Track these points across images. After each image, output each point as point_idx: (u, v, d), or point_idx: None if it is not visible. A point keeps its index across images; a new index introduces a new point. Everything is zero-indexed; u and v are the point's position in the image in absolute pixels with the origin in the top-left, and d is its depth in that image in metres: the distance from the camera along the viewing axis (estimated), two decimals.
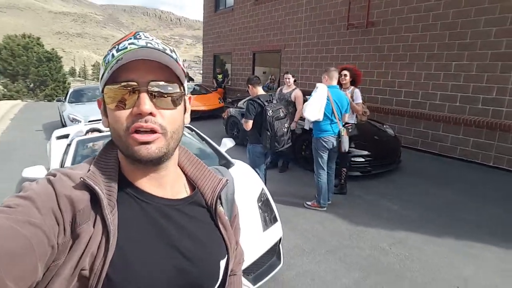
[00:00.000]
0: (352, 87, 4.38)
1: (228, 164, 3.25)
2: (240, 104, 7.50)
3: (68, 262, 0.53)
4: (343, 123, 4.07)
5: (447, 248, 3.28)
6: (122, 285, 0.56)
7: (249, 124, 3.77)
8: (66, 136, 4.47)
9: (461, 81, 6.11)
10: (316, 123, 3.97)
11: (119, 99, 0.60)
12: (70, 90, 10.46)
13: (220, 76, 13.44)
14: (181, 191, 0.73)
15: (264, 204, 2.92)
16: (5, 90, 25.77)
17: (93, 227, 0.57)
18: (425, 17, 6.59)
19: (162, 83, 0.62)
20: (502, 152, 5.63)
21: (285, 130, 3.77)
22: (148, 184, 0.67)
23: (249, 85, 3.99)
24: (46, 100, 23.97)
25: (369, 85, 7.83)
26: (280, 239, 2.80)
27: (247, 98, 4.73)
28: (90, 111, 8.13)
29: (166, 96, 0.62)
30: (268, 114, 3.64)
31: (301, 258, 3.14)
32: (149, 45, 0.60)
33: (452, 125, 6.26)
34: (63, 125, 8.21)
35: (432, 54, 6.52)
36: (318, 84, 3.95)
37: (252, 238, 2.56)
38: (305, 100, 4.34)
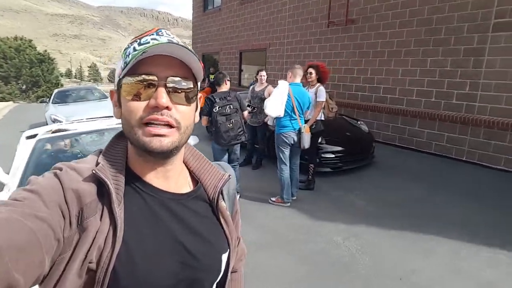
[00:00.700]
0: (318, 84, 4.37)
1: None
2: None
3: (77, 256, 0.54)
4: (305, 120, 4.08)
5: (403, 242, 3.28)
6: (128, 278, 0.57)
7: (203, 121, 3.84)
8: (35, 136, 4.45)
9: (437, 76, 6.12)
10: (277, 119, 3.98)
11: (136, 91, 0.61)
12: (55, 91, 10.47)
13: (212, 76, 13.39)
14: (185, 185, 0.74)
15: None
16: None
17: (100, 220, 0.57)
18: (402, 13, 6.59)
19: (179, 79, 0.63)
20: (474, 147, 5.63)
21: (230, 126, 3.78)
22: (153, 177, 0.67)
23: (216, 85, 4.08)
24: (38, 102, 23.96)
25: (350, 82, 7.83)
26: None
27: None
28: (73, 111, 8.04)
29: (182, 92, 0.64)
30: (214, 110, 3.68)
31: (253, 253, 3.12)
32: (173, 41, 0.62)
33: (428, 121, 6.26)
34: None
35: (408, 51, 6.53)
36: (279, 81, 3.96)
37: None
38: None
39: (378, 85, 7.20)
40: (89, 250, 0.54)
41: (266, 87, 5.32)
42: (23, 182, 2.61)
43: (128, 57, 0.62)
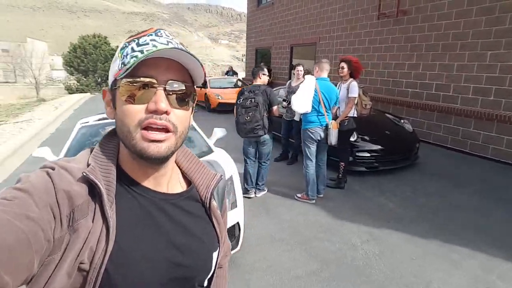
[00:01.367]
0: (351, 79, 4.22)
1: (209, 151, 3.44)
2: None
3: (67, 257, 0.53)
4: (332, 115, 3.98)
5: (426, 250, 3.07)
6: (120, 278, 0.57)
7: (234, 112, 4.03)
8: (87, 122, 5.01)
9: (497, 72, 5.49)
10: (304, 114, 3.95)
11: (135, 93, 0.60)
12: None
13: None
14: (177, 186, 0.74)
15: (227, 191, 3.02)
16: (78, 84, 28.96)
17: (92, 221, 0.57)
18: (459, 2, 6.00)
19: (179, 83, 0.62)
20: None
21: (248, 119, 3.86)
22: (145, 178, 0.67)
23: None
24: None
25: (400, 78, 7.37)
26: (238, 225, 2.89)
27: None
28: None
29: (181, 96, 0.63)
30: (237, 101, 3.79)
31: (268, 246, 3.19)
32: (170, 44, 0.63)
33: (484, 121, 5.65)
34: None
35: (465, 44, 5.93)
36: (306, 76, 3.92)
37: None
38: None
39: (430, 82, 6.67)
40: (80, 251, 0.54)
41: (302, 82, 5.27)
42: None
43: (126, 57, 0.61)
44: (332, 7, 9.50)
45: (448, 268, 2.80)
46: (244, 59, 18.62)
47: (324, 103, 3.86)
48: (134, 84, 0.60)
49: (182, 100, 0.63)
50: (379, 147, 4.90)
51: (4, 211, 0.48)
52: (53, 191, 0.54)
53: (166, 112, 0.60)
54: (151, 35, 0.63)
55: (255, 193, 4.26)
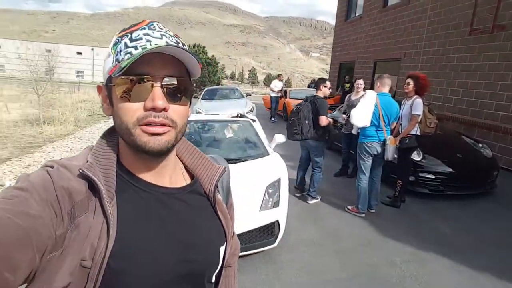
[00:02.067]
0: (416, 96, 4.11)
1: (264, 154, 3.77)
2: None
3: (68, 253, 0.53)
4: (391, 131, 3.96)
5: (472, 281, 2.87)
6: (124, 274, 0.57)
7: None
8: None
9: None
10: (362, 128, 4.01)
11: (130, 90, 0.59)
12: (205, 89, 12.61)
13: (347, 85, 13.32)
14: (180, 180, 0.73)
15: (273, 191, 3.29)
16: None
17: (93, 218, 0.57)
18: None
19: (175, 78, 0.62)
20: None
21: (290, 123, 4.32)
22: (147, 173, 0.66)
23: None
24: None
25: (489, 99, 6.69)
26: (278, 223, 3.13)
27: None
28: (213, 106, 9.41)
29: (178, 91, 0.62)
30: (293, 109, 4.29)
31: (306, 249, 3.36)
32: (164, 38, 0.61)
33: None
34: None
35: None
36: (367, 91, 3.99)
37: (248, 214, 3.03)
38: None
39: None
40: (81, 248, 0.54)
41: (362, 96, 5.26)
42: None
43: (120, 54, 0.60)
44: (421, 22, 9.05)
45: None
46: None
47: (383, 118, 3.88)
48: (130, 82, 0.59)
49: (179, 95, 0.63)
50: (448, 169, 4.60)
51: (4, 209, 0.48)
52: (52, 189, 0.54)
53: (165, 109, 0.60)
54: (144, 28, 0.62)
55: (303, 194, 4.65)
